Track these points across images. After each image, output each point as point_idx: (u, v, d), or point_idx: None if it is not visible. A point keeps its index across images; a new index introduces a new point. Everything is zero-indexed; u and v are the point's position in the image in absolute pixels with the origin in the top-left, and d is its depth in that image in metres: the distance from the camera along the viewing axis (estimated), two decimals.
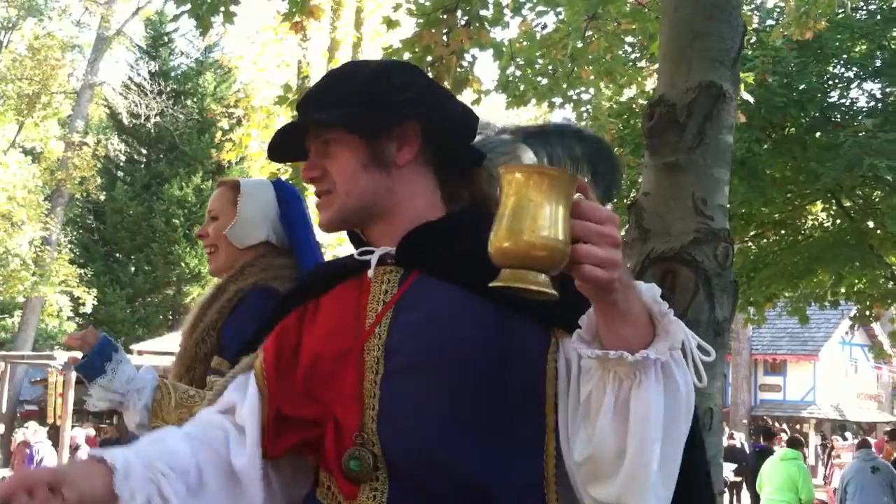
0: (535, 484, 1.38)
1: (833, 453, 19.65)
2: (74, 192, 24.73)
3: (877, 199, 10.30)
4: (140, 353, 16.55)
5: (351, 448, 1.41)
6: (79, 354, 2.25)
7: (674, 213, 3.02)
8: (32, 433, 13.31)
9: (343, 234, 1.62)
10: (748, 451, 17.92)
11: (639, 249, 3.07)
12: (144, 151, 27.17)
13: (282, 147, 1.59)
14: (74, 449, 13.94)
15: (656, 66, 3.88)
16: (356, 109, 1.48)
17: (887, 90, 10.48)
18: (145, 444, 1.49)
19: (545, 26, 6.75)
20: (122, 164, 27.46)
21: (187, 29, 29.36)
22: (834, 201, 10.49)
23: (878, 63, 10.30)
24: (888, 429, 16.66)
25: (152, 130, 26.50)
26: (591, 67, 6.53)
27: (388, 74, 1.52)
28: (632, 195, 8.15)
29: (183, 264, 25.18)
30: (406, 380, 1.41)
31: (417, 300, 1.45)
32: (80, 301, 23.39)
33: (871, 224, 10.40)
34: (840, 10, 9.68)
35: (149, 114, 26.25)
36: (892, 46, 10.29)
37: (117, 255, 26.45)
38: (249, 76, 19.72)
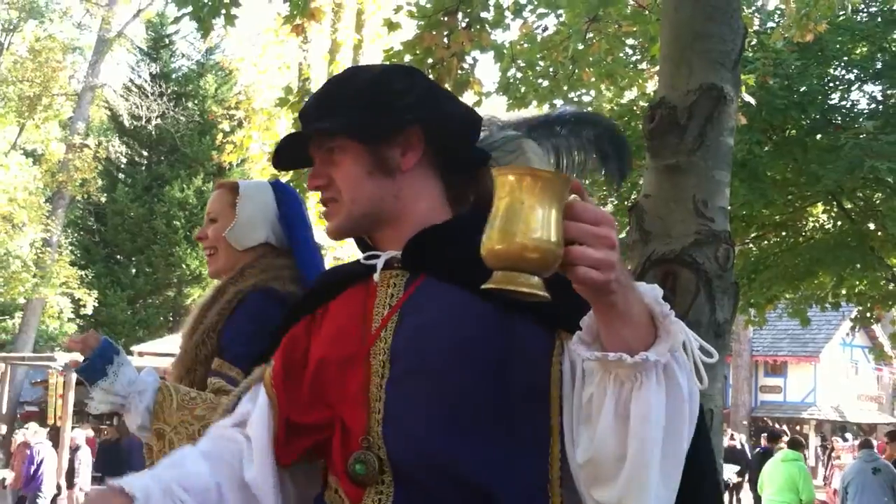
0: (539, 487, 1.38)
1: (833, 454, 19.64)
2: (75, 194, 24.74)
3: (878, 201, 10.30)
4: (141, 354, 16.55)
5: (357, 451, 1.41)
6: (79, 356, 2.25)
7: (675, 215, 3.02)
8: (32, 434, 13.31)
9: None
10: (748, 453, 17.93)
11: (640, 251, 3.07)
12: (145, 153, 27.17)
13: (286, 155, 1.59)
14: (74, 450, 13.91)
15: (657, 68, 3.88)
16: (358, 116, 1.48)
17: (888, 92, 10.48)
18: (163, 469, 1.51)
19: (546, 28, 6.76)
20: (123, 165, 27.45)
21: (188, 31, 29.47)
22: (835, 203, 10.49)
23: (879, 65, 10.30)
24: (888, 430, 16.65)
25: (153, 132, 26.50)
26: (591, 69, 6.52)
27: (389, 80, 1.52)
28: (633, 197, 8.16)
29: (184, 266, 25.19)
30: (410, 383, 1.41)
31: (422, 303, 1.46)
32: (81, 303, 23.40)
33: (871, 226, 10.40)
34: (841, 13, 9.69)
35: (150, 116, 26.27)
36: (893, 49, 10.29)
37: (118, 256, 26.45)
38: (250, 78, 19.74)
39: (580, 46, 6.27)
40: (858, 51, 10.37)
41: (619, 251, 1.18)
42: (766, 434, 16.95)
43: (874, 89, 10.88)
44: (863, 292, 11.48)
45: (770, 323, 16.56)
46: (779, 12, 10.85)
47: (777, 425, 25.47)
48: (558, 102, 6.69)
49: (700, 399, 1.30)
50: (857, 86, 10.69)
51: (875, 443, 12.58)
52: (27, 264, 22.73)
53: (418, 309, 1.45)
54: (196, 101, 26.94)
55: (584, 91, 6.82)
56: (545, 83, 6.65)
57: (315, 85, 12.60)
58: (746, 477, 16.95)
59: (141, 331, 24.55)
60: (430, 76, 5.12)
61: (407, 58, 5.68)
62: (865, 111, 10.50)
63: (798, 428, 27.41)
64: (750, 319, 12.34)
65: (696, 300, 2.93)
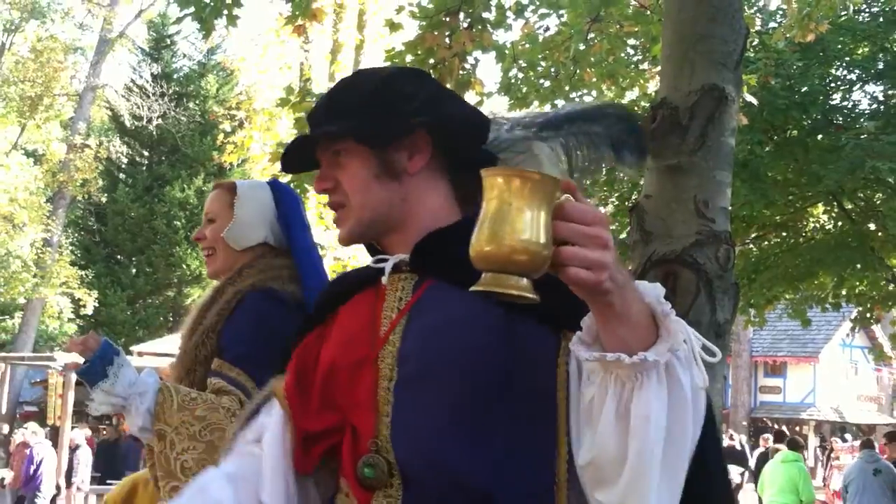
0: (546, 489, 1.37)
1: (832, 455, 19.64)
2: (76, 194, 24.76)
3: (878, 202, 10.31)
4: (140, 354, 16.54)
5: (366, 455, 1.41)
6: (79, 358, 2.24)
7: (675, 216, 3.02)
8: (32, 434, 13.32)
9: None
10: (748, 453, 17.93)
11: (640, 252, 3.07)
12: (146, 153, 27.16)
13: (294, 158, 1.59)
14: (74, 450, 13.92)
15: (659, 68, 3.88)
16: (365, 120, 1.48)
17: (889, 93, 10.48)
18: (188, 499, 1.53)
19: (548, 29, 6.76)
20: (123, 166, 27.45)
21: (190, 31, 29.48)
22: (835, 203, 10.49)
23: (881, 65, 10.30)
24: (887, 431, 16.64)
25: (154, 132, 26.50)
26: (593, 70, 6.52)
27: (397, 83, 1.51)
28: (633, 197, 8.15)
29: (184, 266, 25.19)
30: (417, 386, 1.40)
31: (430, 306, 1.45)
32: (81, 303, 23.40)
33: (872, 226, 10.41)
34: (842, 13, 9.69)
35: (151, 116, 26.27)
36: (895, 49, 10.29)
37: (118, 256, 26.45)
38: (252, 78, 19.77)
39: (582, 47, 6.27)
40: (860, 51, 10.37)
41: (615, 250, 1.16)
42: (770, 435, 16.92)
43: (875, 90, 10.90)
44: (863, 293, 11.48)
45: (770, 323, 16.56)
46: (780, 12, 10.85)
47: (776, 426, 25.49)
48: (560, 103, 6.69)
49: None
50: (858, 86, 10.70)
51: (876, 444, 12.58)
52: (27, 264, 22.74)
53: (426, 312, 1.45)
54: (197, 102, 26.94)
55: (585, 91, 6.81)
56: (547, 83, 6.65)
57: (316, 85, 12.62)
58: (746, 477, 16.97)
59: (141, 331, 24.54)
60: (432, 76, 5.12)
61: (408, 58, 5.68)
62: (867, 111, 10.51)
63: (797, 428, 27.41)
64: (750, 320, 12.34)
65: (697, 300, 2.93)
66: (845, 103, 10.58)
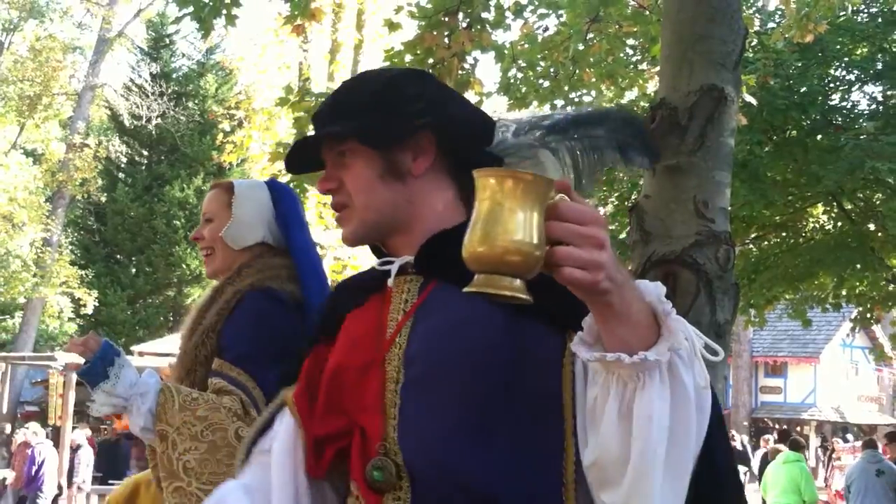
0: (552, 490, 1.36)
1: (833, 455, 19.64)
2: (75, 194, 24.74)
3: (878, 202, 10.31)
4: (141, 354, 16.53)
5: (375, 458, 1.41)
6: (78, 358, 2.24)
7: (675, 216, 3.02)
8: (33, 434, 13.32)
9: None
10: (749, 453, 17.93)
11: (640, 252, 3.07)
12: (145, 153, 27.16)
13: (298, 158, 1.59)
14: (75, 450, 13.93)
15: (658, 68, 3.88)
16: (369, 120, 1.48)
17: (888, 93, 10.49)
18: None
19: (547, 29, 6.77)
20: (123, 165, 27.44)
21: (189, 31, 29.45)
22: (835, 204, 10.50)
23: (880, 66, 10.30)
24: (888, 431, 16.65)
25: (153, 132, 26.49)
26: (592, 70, 6.53)
27: (401, 84, 1.52)
28: (633, 198, 8.16)
29: (184, 266, 25.19)
30: (423, 388, 1.40)
31: (435, 308, 1.45)
32: (81, 302, 23.39)
33: (872, 227, 10.41)
34: (841, 13, 9.69)
35: (150, 115, 26.26)
36: (894, 49, 10.30)
37: (118, 256, 26.44)
38: (251, 78, 19.78)
39: (581, 47, 6.27)
40: (859, 51, 10.37)
41: (611, 250, 1.15)
42: (770, 436, 16.92)
43: (874, 90, 10.91)
44: (863, 293, 11.49)
45: (770, 324, 16.56)
46: (779, 13, 10.85)
47: (777, 426, 25.49)
48: (559, 103, 6.70)
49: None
50: (857, 86, 10.70)
51: (879, 444, 12.57)
52: (27, 264, 22.74)
53: (431, 314, 1.45)
54: (196, 101, 26.94)
55: (584, 91, 6.82)
56: (546, 83, 6.65)
57: (315, 85, 12.61)
58: (748, 477, 16.96)
59: (141, 331, 24.54)
60: None
61: (407, 58, 5.68)
62: (866, 112, 10.52)
63: (798, 429, 27.41)
64: (750, 320, 12.34)
65: (697, 301, 2.93)
66: (844, 104, 10.58)
